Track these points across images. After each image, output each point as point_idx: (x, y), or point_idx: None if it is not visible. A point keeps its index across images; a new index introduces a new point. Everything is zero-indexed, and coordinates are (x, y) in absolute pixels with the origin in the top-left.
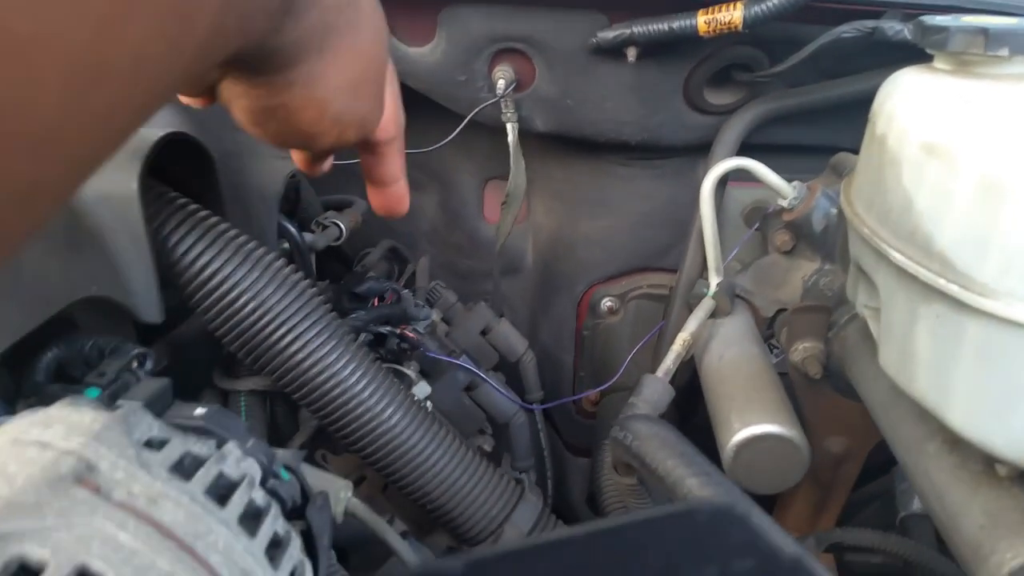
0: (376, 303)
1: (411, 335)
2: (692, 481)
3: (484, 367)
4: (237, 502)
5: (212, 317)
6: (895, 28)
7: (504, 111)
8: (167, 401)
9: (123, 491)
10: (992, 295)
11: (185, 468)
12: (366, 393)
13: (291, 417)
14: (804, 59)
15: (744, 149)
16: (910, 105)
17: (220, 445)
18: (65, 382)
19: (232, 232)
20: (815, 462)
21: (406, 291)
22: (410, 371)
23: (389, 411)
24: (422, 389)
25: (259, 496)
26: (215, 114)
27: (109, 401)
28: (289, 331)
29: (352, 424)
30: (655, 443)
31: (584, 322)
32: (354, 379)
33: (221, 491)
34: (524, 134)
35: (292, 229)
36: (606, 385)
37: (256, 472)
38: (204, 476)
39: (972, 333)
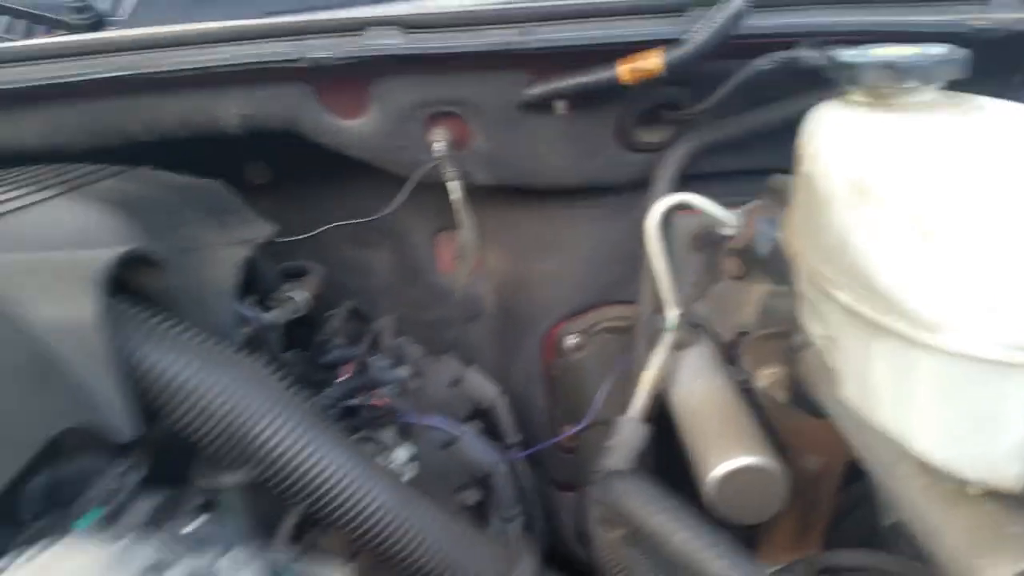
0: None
1: (381, 404)
2: (681, 535)
3: (458, 417)
4: None
5: (184, 424)
6: (810, 56)
7: (446, 171)
8: (163, 515)
9: None
10: (940, 330)
11: None
12: (346, 480)
13: (276, 503)
14: (727, 92)
15: (683, 178)
16: (832, 143)
17: (218, 556)
18: (57, 504)
19: (193, 337)
20: (795, 482)
21: (372, 356)
22: (388, 437)
23: (373, 493)
24: (403, 453)
25: None
26: (162, 215)
27: (108, 523)
28: (262, 429)
29: (338, 511)
30: (638, 500)
31: (552, 361)
32: (333, 468)
33: None
34: (469, 186)
35: (251, 315)
36: (581, 426)
37: None
38: None
39: (926, 367)
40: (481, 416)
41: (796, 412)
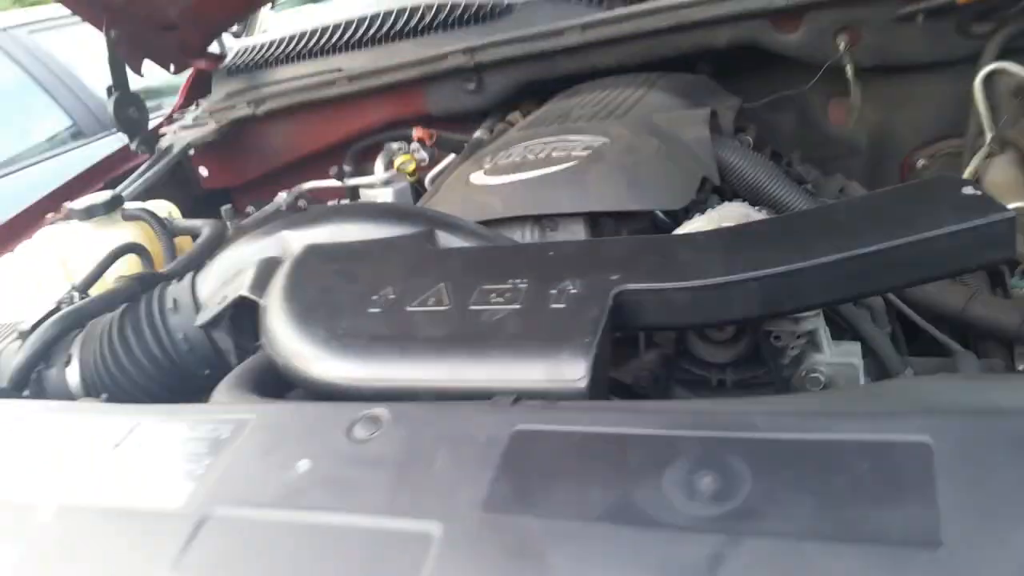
0: None
1: None
2: None
3: None
4: None
5: (737, 185)
6: None
7: (846, 60)
8: None
9: None
10: None
11: None
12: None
13: None
14: None
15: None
16: None
17: None
18: None
19: (736, 147)
20: None
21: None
22: None
23: None
24: None
25: None
26: (694, 92)
27: None
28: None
29: None
30: None
31: (905, 177)
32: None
33: None
34: (856, 68)
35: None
36: None
37: None
38: None
39: None
40: None
41: None
